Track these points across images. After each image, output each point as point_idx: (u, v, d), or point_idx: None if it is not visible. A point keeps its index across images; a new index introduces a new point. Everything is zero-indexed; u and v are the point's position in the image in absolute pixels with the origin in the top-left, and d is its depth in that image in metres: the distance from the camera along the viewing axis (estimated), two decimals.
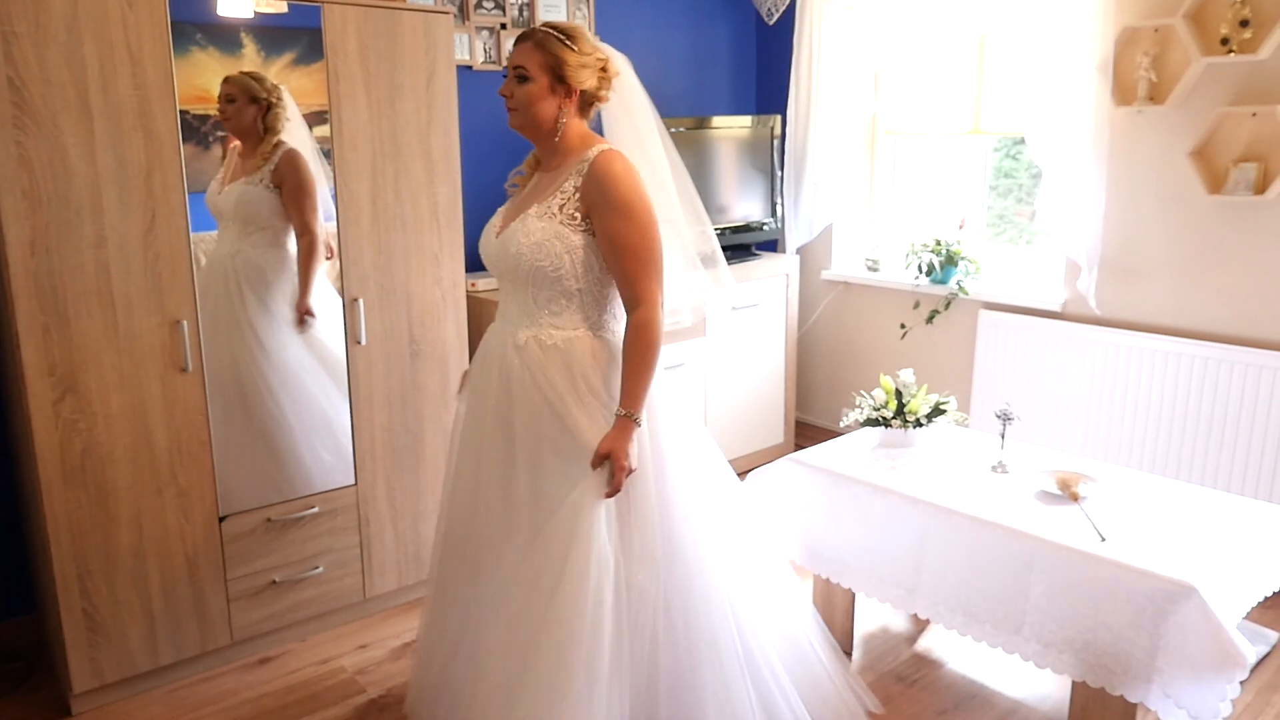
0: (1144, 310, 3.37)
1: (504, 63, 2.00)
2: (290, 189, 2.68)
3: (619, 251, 1.93)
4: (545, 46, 1.95)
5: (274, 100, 2.61)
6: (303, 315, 2.76)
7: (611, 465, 1.89)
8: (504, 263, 2.02)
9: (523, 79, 1.96)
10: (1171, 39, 3.11)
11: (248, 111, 2.60)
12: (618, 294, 2.01)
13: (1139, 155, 3.30)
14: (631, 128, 2.10)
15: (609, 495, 1.89)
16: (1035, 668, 2.18)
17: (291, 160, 2.68)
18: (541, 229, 1.95)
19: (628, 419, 1.91)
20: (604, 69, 2.01)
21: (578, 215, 1.95)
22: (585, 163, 1.97)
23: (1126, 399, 3.36)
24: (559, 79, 1.96)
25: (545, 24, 2.00)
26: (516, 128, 2.02)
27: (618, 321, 2.05)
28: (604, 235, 1.94)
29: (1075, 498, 2.35)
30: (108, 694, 2.53)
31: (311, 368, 2.79)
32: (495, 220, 2.11)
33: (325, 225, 2.76)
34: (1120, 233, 3.39)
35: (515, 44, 2.00)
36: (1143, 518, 2.29)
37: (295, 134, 2.69)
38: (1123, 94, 3.26)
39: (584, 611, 1.84)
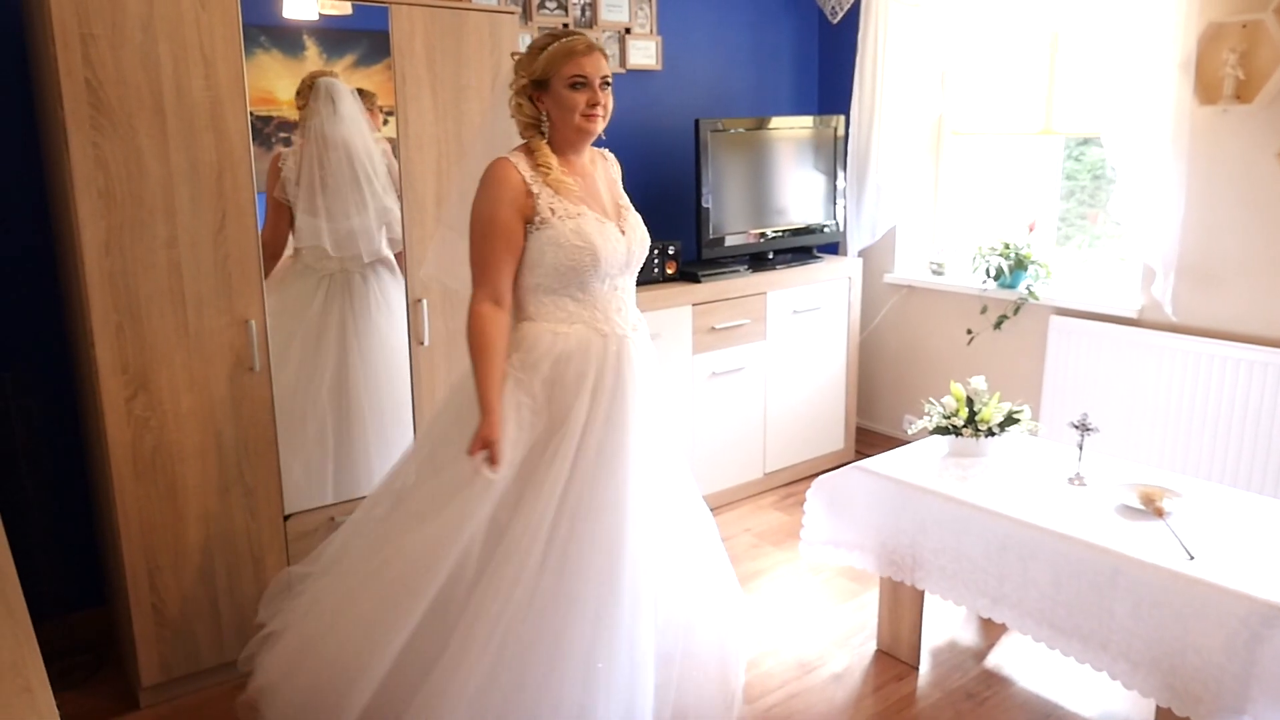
0: (1225, 317, 3.24)
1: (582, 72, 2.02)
2: None
3: None
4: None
5: (298, 104, 2.60)
6: None
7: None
8: (634, 258, 2.14)
9: (609, 85, 2.05)
10: (1261, 35, 2.98)
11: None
12: None
13: (1223, 156, 3.17)
14: None
15: None
16: (1124, 688, 2.09)
17: None
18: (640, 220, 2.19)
19: None
20: None
21: None
22: (612, 162, 2.24)
23: (1207, 410, 3.23)
24: None
25: (582, 31, 2.07)
26: (594, 134, 2.07)
27: None
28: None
29: (1160, 513, 2.25)
30: (175, 688, 2.56)
31: (378, 367, 2.80)
32: (600, 217, 2.07)
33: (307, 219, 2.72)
34: (1200, 236, 3.26)
35: (583, 54, 2.00)
36: (1232, 535, 2.19)
37: (358, 131, 2.69)
38: (1206, 92, 3.13)
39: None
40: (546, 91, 2.02)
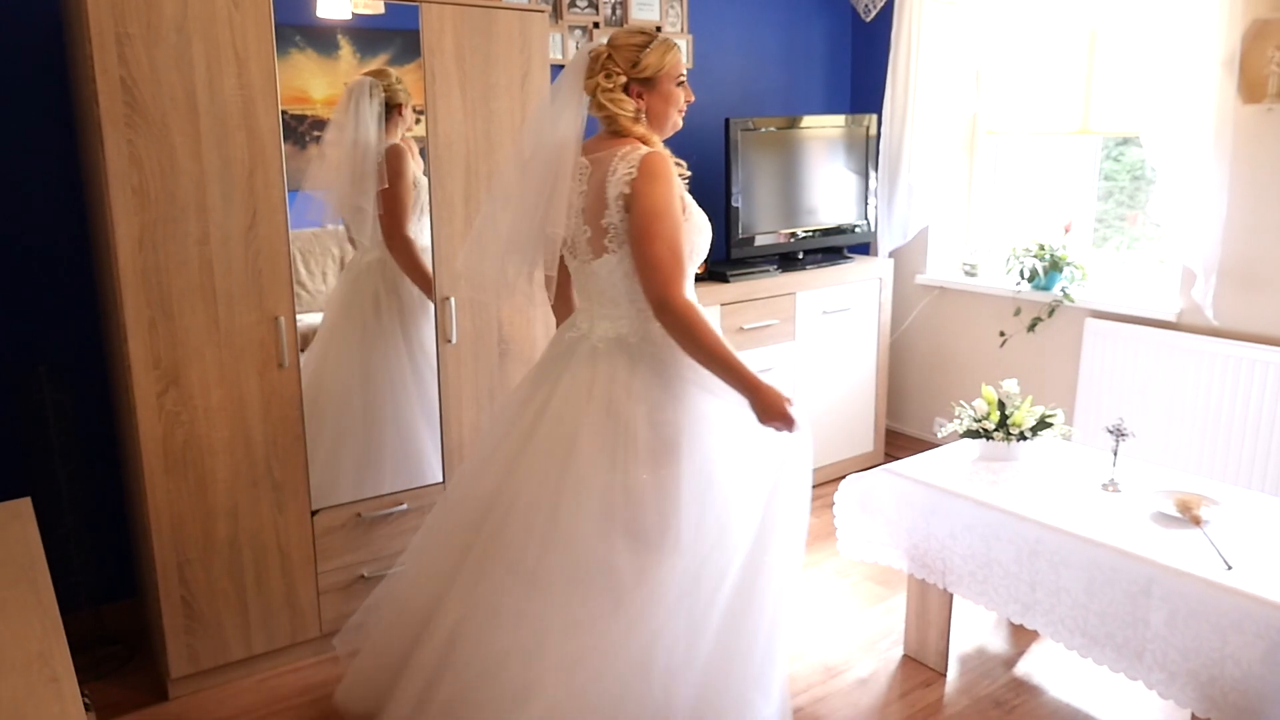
0: (1268, 321, 3.16)
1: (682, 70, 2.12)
2: None
3: None
4: None
5: None
6: None
7: None
8: None
9: None
10: None
11: None
12: None
13: (1267, 155, 3.09)
14: None
15: None
16: (1159, 697, 2.04)
17: None
18: None
19: None
20: None
21: None
22: None
23: (1247, 416, 3.15)
24: None
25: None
26: (679, 129, 2.15)
27: None
28: None
29: (1197, 521, 2.20)
30: (203, 680, 2.59)
31: (406, 365, 2.81)
32: None
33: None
34: (1242, 238, 3.19)
35: (678, 54, 2.08)
36: (1272, 545, 2.13)
37: (364, 130, 2.70)
38: (1250, 90, 3.06)
39: None
40: (651, 88, 2.06)
